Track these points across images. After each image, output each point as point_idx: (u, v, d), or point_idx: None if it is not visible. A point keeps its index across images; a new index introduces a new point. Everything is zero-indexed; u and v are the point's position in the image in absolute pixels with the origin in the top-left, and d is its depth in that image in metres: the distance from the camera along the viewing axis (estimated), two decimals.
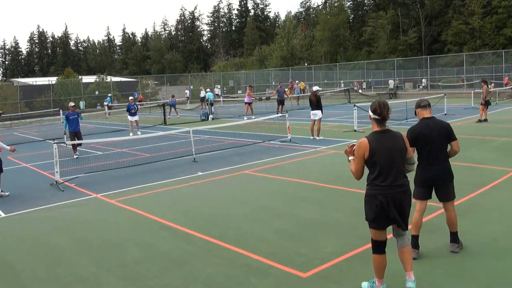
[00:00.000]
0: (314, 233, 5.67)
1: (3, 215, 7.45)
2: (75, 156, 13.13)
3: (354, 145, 3.95)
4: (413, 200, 4.16)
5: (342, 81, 46.28)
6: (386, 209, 3.68)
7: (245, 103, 22.87)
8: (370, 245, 4.87)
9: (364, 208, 3.88)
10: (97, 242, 5.82)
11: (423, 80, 40.47)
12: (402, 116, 18.09)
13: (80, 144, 13.41)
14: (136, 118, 18.70)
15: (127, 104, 19.11)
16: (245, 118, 21.59)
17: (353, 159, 3.88)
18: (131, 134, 18.04)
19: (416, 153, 4.58)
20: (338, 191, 7.78)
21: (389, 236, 3.98)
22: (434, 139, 4.56)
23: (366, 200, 3.82)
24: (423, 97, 4.96)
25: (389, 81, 40.95)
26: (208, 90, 31.77)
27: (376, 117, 3.75)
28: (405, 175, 3.81)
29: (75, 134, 13.33)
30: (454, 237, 4.81)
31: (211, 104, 26.11)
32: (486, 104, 16.66)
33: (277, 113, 18.36)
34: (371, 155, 3.67)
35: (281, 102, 23.77)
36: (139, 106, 22.84)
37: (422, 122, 4.69)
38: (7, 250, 5.74)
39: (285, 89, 28.27)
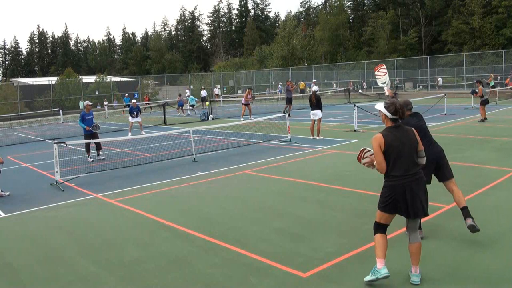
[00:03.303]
0: (314, 233, 5.67)
1: (3, 215, 7.45)
2: (90, 160, 12.19)
3: (364, 150, 4.45)
4: None
5: (334, 81, 45.94)
6: (400, 198, 4.02)
7: (242, 104, 22.54)
8: (370, 245, 4.90)
9: (380, 196, 4.21)
10: (97, 242, 5.82)
11: (439, 79, 40.19)
12: None
13: (100, 147, 12.53)
14: (138, 119, 18.56)
15: (130, 105, 18.83)
16: (242, 119, 21.43)
17: (372, 164, 4.30)
18: (130, 134, 17.97)
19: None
20: (338, 191, 7.78)
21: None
22: (425, 128, 5.31)
23: (383, 190, 4.15)
24: (408, 99, 5.65)
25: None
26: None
27: (395, 117, 4.12)
28: (418, 164, 4.14)
29: (91, 135, 12.31)
30: (467, 212, 5.00)
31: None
32: (484, 103, 16.66)
33: (285, 113, 17.37)
34: (387, 148, 4.03)
35: (290, 100, 23.28)
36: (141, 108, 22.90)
37: (409, 118, 5.20)
38: (7, 250, 5.74)
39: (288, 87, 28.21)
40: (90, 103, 13.21)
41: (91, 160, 12.27)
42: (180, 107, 28.36)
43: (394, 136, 4.04)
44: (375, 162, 4.18)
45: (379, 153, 4.05)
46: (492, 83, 29.35)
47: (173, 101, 33.75)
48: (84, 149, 12.44)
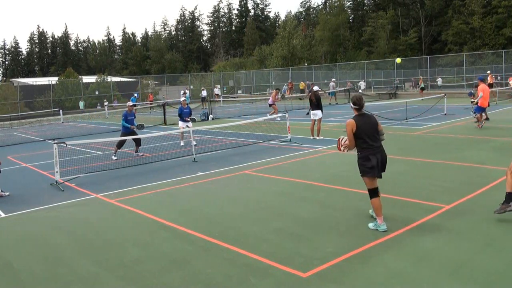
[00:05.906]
0: (314, 233, 5.67)
1: (3, 215, 7.45)
2: (114, 158, 12.34)
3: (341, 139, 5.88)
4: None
5: (327, 80, 45.06)
6: (375, 161, 5.39)
7: (270, 104, 21.80)
8: (370, 245, 4.93)
9: (359, 168, 5.57)
10: (97, 242, 5.82)
11: (439, 79, 40.05)
12: (402, 116, 18.09)
13: (139, 144, 12.83)
14: (190, 124, 14.37)
15: (179, 106, 14.73)
16: (268, 116, 19.26)
17: (346, 146, 5.74)
18: (182, 143, 14.46)
19: None
20: (338, 191, 7.78)
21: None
22: None
23: (360, 161, 5.53)
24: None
25: (359, 82, 40.67)
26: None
27: (356, 107, 5.64)
28: (379, 140, 5.58)
29: (129, 134, 12.56)
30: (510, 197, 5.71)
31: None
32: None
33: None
34: (358, 129, 5.50)
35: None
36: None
37: None
38: (7, 250, 5.74)
39: (287, 89, 27.96)
40: (131, 103, 13.35)
41: (115, 158, 12.37)
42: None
43: (361, 120, 5.56)
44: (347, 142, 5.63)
45: (351, 134, 5.54)
46: (422, 85, 29.71)
47: (172, 101, 33.76)
48: (115, 146, 12.63)
